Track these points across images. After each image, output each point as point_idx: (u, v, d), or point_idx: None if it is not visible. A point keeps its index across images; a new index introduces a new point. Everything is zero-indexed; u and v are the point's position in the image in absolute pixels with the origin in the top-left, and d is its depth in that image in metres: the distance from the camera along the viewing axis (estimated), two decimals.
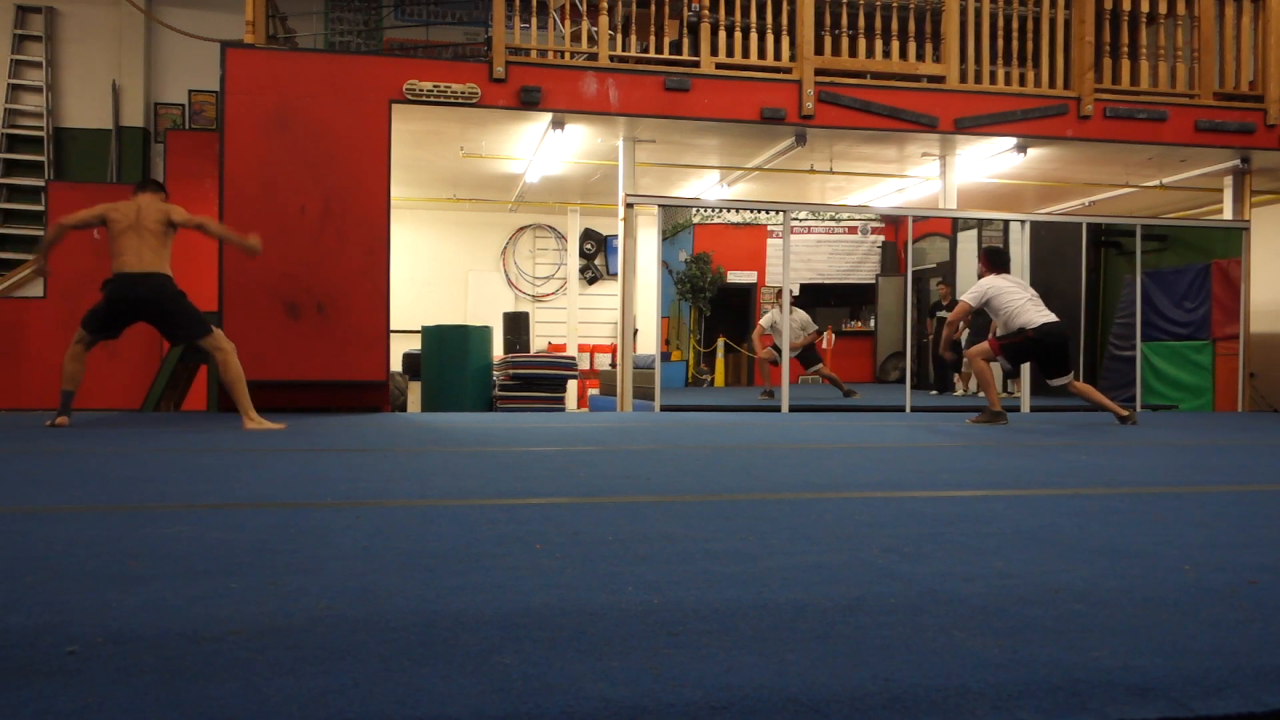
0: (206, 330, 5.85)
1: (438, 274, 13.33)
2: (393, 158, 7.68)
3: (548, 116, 8.11)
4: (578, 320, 13.34)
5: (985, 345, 7.08)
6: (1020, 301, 6.89)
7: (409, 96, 7.62)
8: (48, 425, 5.74)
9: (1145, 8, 8.79)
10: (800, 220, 13.80)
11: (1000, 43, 8.65)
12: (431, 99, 7.66)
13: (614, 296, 11.56)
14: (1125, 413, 6.92)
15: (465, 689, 1.23)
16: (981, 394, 11.55)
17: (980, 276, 7.15)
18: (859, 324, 14.62)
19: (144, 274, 5.74)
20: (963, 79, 8.58)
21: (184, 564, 1.97)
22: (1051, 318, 6.84)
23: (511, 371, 9.17)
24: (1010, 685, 1.27)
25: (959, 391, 11.36)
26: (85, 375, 5.93)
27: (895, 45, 8.50)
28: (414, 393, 10.03)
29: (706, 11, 8.18)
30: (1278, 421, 7.75)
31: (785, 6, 8.28)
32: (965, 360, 11.15)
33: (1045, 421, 7.43)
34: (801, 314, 10.26)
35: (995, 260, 7.19)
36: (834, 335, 13.97)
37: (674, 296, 13.68)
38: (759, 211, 13.52)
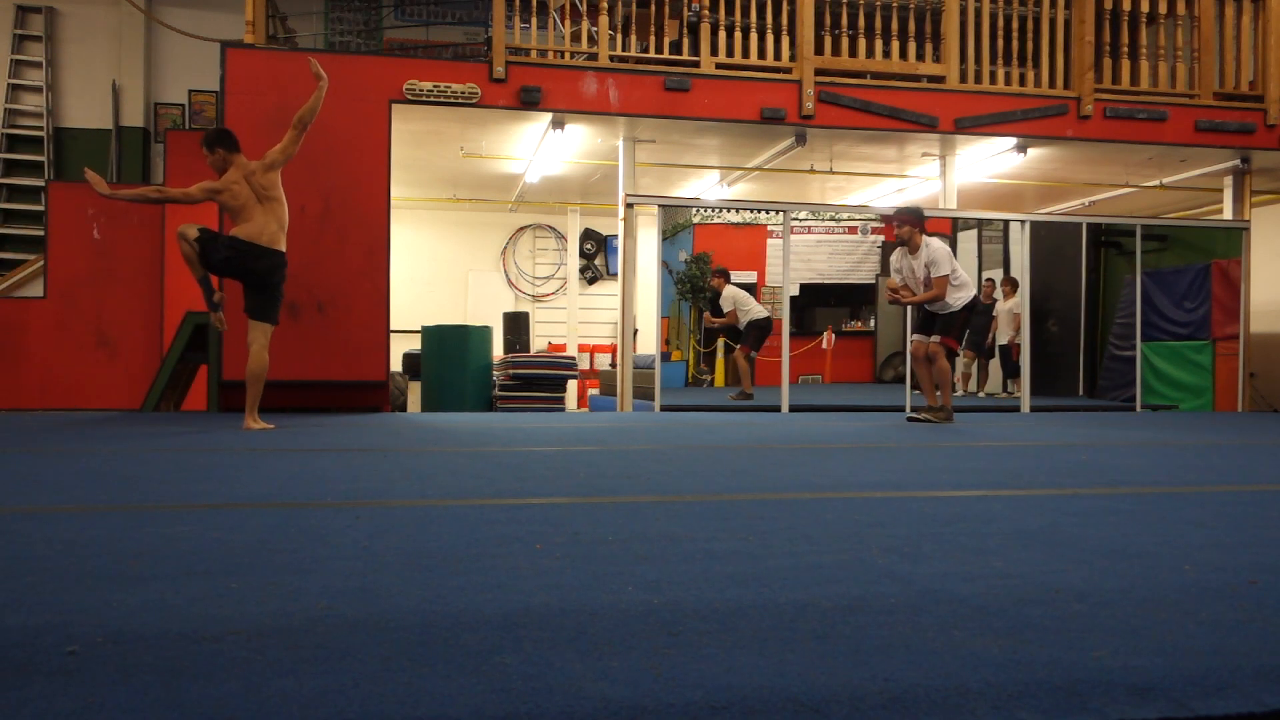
0: (274, 321, 5.89)
1: (438, 274, 13.33)
2: (393, 158, 7.68)
3: (548, 116, 8.11)
4: (578, 320, 13.34)
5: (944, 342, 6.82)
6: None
7: (409, 96, 7.62)
8: (217, 320, 5.81)
9: (1145, 8, 8.79)
10: (800, 220, 13.79)
11: (1000, 43, 8.65)
12: (431, 99, 7.66)
13: (614, 296, 11.55)
14: (940, 416, 6.75)
15: (465, 689, 1.23)
16: (982, 393, 11.57)
17: (915, 240, 6.87)
18: (859, 324, 14.61)
19: (269, 250, 5.78)
20: (963, 79, 8.58)
21: (184, 564, 1.97)
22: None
23: (511, 371, 9.17)
24: (1010, 685, 1.27)
25: (959, 391, 11.35)
26: (84, 375, 5.92)
27: (895, 45, 8.50)
28: (414, 393, 10.03)
29: (706, 11, 8.18)
30: (1278, 421, 7.75)
31: (785, 6, 8.27)
32: (964, 359, 11.17)
33: (1045, 421, 7.43)
34: (739, 293, 10.20)
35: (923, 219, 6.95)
36: (834, 335, 13.96)
37: (674, 296, 13.67)
38: (759, 211, 13.51)
